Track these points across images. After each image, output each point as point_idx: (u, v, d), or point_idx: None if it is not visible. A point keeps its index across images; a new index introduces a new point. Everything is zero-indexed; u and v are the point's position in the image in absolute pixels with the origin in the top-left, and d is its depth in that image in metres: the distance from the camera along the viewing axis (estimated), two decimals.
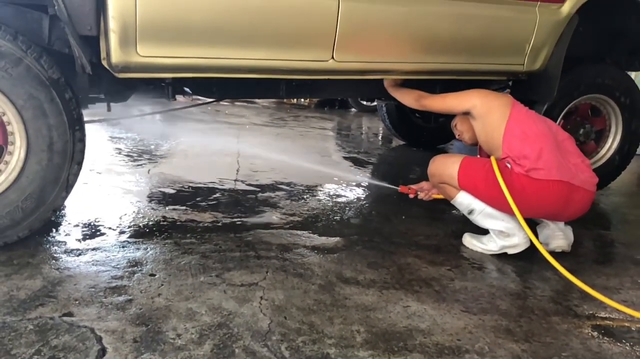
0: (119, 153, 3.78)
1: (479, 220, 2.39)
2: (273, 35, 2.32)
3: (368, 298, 1.88)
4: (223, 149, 4.19)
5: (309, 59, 2.44)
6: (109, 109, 2.56)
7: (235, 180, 3.28)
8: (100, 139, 4.20)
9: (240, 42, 2.27)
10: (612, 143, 3.50)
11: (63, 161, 2.04)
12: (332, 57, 2.46)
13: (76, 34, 1.99)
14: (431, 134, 4.82)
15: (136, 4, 2.01)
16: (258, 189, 3.11)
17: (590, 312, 1.93)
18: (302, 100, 8.50)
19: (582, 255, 2.48)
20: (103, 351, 1.45)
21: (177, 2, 2.09)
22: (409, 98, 2.76)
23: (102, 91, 2.43)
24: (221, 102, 7.40)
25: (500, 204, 2.29)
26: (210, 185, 3.13)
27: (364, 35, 2.50)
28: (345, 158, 4.27)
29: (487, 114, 2.41)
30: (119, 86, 2.42)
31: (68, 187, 2.09)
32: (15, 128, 1.96)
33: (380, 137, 5.57)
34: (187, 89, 2.53)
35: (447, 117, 4.18)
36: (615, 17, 3.36)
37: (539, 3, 2.87)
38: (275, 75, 2.47)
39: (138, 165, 3.49)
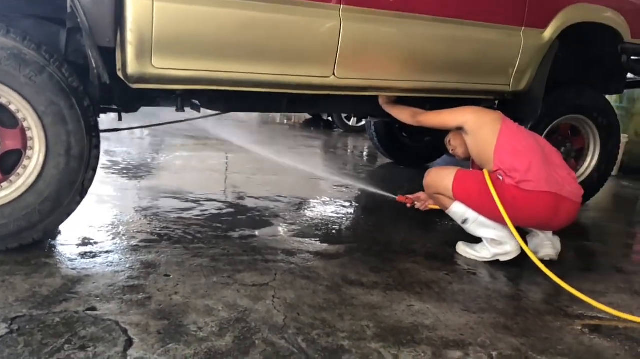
0: (116, 165, 3.84)
1: (473, 229, 2.52)
2: (279, 51, 2.44)
3: (373, 298, 1.98)
4: (219, 163, 4.27)
5: (312, 75, 2.57)
6: (120, 119, 2.65)
7: (236, 192, 3.37)
8: None
9: (248, 57, 2.39)
10: (590, 161, 3.70)
11: (79, 166, 2.11)
12: (334, 74, 2.59)
13: (95, 45, 2.08)
14: (417, 152, 4.98)
15: (153, 18, 2.12)
16: (259, 200, 3.20)
17: (580, 312, 2.06)
18: (286, 121, 8.68)
19: (568, 263, 2.63)
20: (130, 341, 1.52)
21: (191, 17, 2.21)
22: (404, 115, 2.91)
23: (114, 101, 2.51)
24: (208, 119, 7.50)
25: (492, 214, 2.43)
26: (212, 196, 3.21)
27: (363, 54, 2.64)
28: (337, 173, 4.39)
29: (479, 129, 2.57)
30: (130, 97, 2.51)
31: (83, 192, 2.16)
32: (35, 133, 2.04)
33: (366, 156, 5.72)
34: (195, 101, 2.63)
35: (433, 136, 4.36)
36: (592, 44, 3.59)
37: (523, 28, 3.07)
38: (280, 89, 2.59)
39: (137, 177, 3.56)
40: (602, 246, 3.07)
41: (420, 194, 2.92)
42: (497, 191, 2.37)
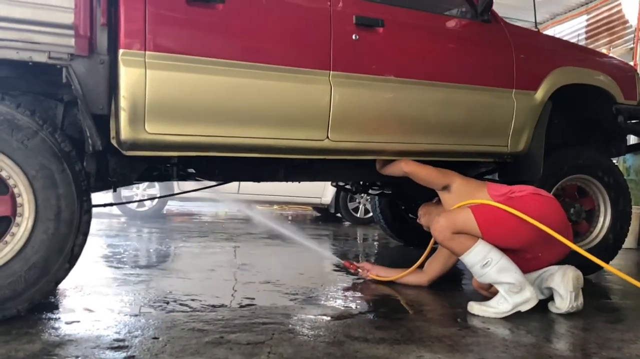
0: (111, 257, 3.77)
1: (492, 274, 2.35)
2: (271, 116, 2.47)
3: (379, 351, 1.82)
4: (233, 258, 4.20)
5: (306, 139, 2.58)
6: (114, 190, 2.64)
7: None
8: None
9: (242, 122, 2.42)
10: (603, 222, 3.55)
11: (69, 231, 2.06)
12: (327, 137, 2.60)
13: (89, 113, 2.13)
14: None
15: (146, 85, 2.18)
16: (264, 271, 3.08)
17: (611, 357, 1.86)
18: (289, 221, 8.66)
19: (592, 316, 2.42)
20: None
21: (183, 84, 2.27)
22: (395, 168, 2.90)
23: (109, 174, 2.50)
24: (219, 219, 7.52)
25: (526, 234, 2.41)
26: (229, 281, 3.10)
27: (356, 118, 2.67)
28: (346, 257, 4.26)
29: (467, 184, 2.75)
30: (125, 168, 2.51)
31: (72, 258, 2.09)
32: (25, 199, 2.01)
33: (376, 241, 5.61)
34: (191, 170, 2.62)
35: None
36: (589, 108, 3.62)
37: (514, 90, 3.12)
38: (275, 154, 2.59)
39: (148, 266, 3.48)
40: (627, 303, 2.86)
41: (365, 264, 3.09)
42: (519, 208, 2.39)
